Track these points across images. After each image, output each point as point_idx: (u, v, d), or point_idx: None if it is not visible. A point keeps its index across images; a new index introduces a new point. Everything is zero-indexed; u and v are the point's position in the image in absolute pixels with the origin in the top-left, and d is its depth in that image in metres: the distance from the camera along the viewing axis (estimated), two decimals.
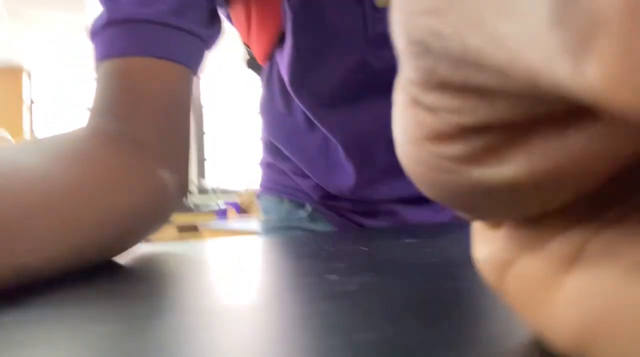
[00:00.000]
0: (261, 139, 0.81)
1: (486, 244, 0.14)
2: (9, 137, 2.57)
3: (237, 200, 5.25)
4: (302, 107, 0.66)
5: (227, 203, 5.40)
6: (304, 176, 0.74)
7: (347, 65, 0.60)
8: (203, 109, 7.04)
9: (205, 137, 6.93)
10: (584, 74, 0.07)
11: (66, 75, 6.33)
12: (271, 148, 0.77)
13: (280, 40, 0.62)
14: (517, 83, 0.08)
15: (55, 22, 4.77)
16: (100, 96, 0.46)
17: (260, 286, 0.31)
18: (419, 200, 0.70)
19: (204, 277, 0.35)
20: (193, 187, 6.69)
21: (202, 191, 6.71)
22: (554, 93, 0.08)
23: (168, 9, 0.47)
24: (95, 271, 0.35)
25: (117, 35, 0.46)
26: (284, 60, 0.62)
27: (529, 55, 0.07)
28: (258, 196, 0.86)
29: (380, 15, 0.56)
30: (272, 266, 0.39)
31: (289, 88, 0.64)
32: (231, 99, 7.04)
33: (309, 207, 0.76)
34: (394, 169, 0.62)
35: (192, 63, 0.49)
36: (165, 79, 0.47)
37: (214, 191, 6.44)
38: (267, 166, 0.81)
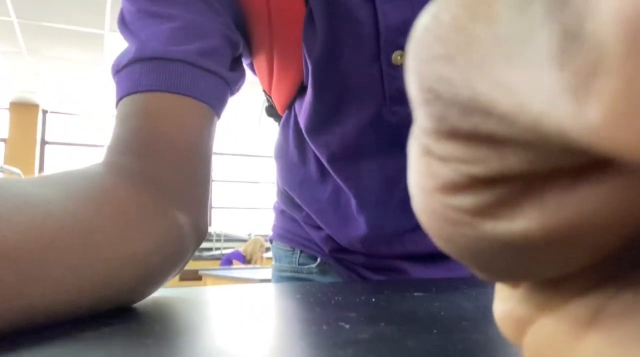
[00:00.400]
0: (276, 184, 0.81)
1: (505, 301, 0.14)
2: (21, 174, 2.60)
3: (241, 249, 5.22)
4: (317, 157, 0.67)
5: (231, 254, 5.33)
6: (316, 227, 0.75)
7: (363, 120, 0.62)
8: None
9: (213, 183, 6.97)
10: (585, 116, 0.06)
11: (80, 115, 6.45)
12: (284, 195, 0.78)
13: (300, 90, 0.64)
14: (524, 130, 0.08)
15: (74, 62, 4.90)
16: (119, 132, 0.45)
17: (274, 334, 0.32)
18: (430, 258, 0.70)
19: (218, 324, 0.35)
20: None
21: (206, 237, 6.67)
22: (558, 138, 0.07)
23: (195, 50, 0.47)
24: (110, 313, 0.36)
25: (143, 71, 0.46)
26: (302, 109, 0.64)
27: (533, 99, 0.07)
28: (270, 240, 0.86)
29: (397, 72, 0.58)
30: (284, 314, 0.40)
31: (306, 137, 0.65)
32: (235, 144, 7.11)
33: (319, 260, 0.77)
34: (407, 225, 0.67)
35: (216, 104, 0.49)
36: (188, 118, 0.46)
37: (218, 237, 6.42)
38: (281, 213, 0.82)
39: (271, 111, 0.76)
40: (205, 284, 3.67)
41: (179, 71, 0.45)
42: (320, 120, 0.63)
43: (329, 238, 0.74)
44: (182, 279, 5.02)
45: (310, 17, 0.57)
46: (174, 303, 0.41)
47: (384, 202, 0.66)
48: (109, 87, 5.55)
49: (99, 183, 0.38)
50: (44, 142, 6.37)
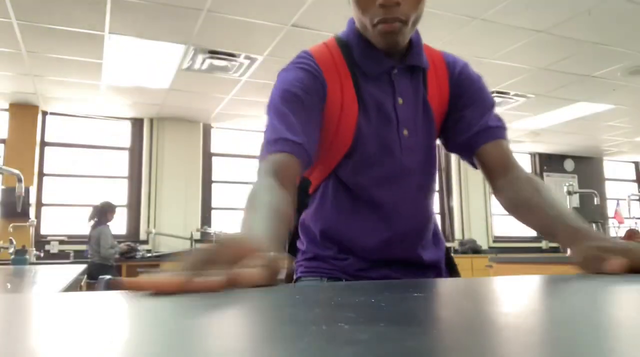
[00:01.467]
0: (302, 240, 1.14)
1: None
2: (21, 175, 2.60)
3: None
4: (358, 192, 1.08)
5: None
6: (343, 259, 1.07)
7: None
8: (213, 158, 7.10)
9: (213, 185, 6.98)
10: None
11: (80, 117, 6.46)
12: (319, 240, 1.10)
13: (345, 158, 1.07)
14: None
15: (74, 62, 4.90)
16: (268, 166, 0.95)
17: (274, 334, 0.32)
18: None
19: (218, 324, 0.35)
20: (197, 233, 6.68)
21: (205, 237, 6.70)
22: None
23: (307, 140, 0.99)
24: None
25: (281, 143, 0.98)
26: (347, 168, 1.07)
27: None
28: (296, 280, 1.10)
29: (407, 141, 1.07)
30: (284, 314, 0.40)
31: (351, 184, 1.08)
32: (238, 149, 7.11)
33: (344, 280, 1.05)
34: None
35: (307, 164, 1.00)
36: (297, 168, 0.97)
37: (218, 236, 6.41)
38: (312, 259, 1.10)
39: (302, 195, 1.14)
40: None
41: (296, 147, 0.98)
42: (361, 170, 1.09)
43: (353, 262, 1.07)
44: None
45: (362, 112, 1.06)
46: (174, 303, 0.41)
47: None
48: (109, 88, 5.56)
49: (283, 193, 0.91)
50: (43, 143, 6.37)
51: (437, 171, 1.16)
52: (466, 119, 1.10)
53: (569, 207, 4.31)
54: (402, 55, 1.07)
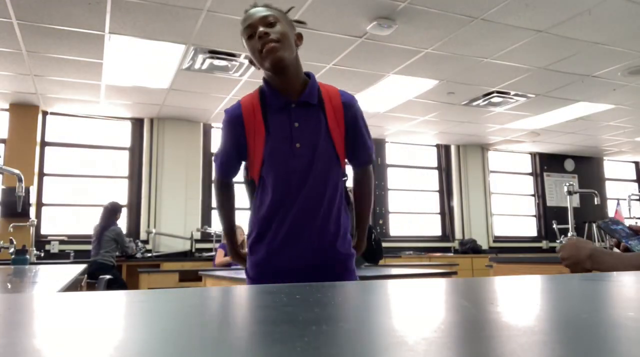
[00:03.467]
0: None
1: None
2: (21, 175, 2.60)
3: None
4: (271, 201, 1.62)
5: (220, 246, 5.40)
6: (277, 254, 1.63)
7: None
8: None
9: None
10: None
11: (80, 117, 6.46)
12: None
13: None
14: None
15: (74, 62, 4.90)
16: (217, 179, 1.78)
17: (274, 334, 0.32)
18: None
19: (218, 324, 0.35)
20: (197, 234, 6.68)
21: (205, 237, 6.71)
22: None
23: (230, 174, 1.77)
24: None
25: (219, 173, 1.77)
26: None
27: None
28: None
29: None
30: (284, 314, 0.40)
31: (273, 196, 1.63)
32: None
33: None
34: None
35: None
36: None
37: (218, 237, 6.43)
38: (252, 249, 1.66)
39: (249, 184, 1.71)
40: (205, 285, 3.67)
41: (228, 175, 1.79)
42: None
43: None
44: (182, 279, 5.03)
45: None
46: (175, 303, 0.41)
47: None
48: (109, 88, 5.56)
49: (232, 193, 1.82)
50: (43, 143, 6.37)
51: (338, 178, 1.62)
52: (356, 148, 1.66)
53: (569, 206, 4.29)
54: (299, 94, 1.58)
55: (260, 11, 1.57)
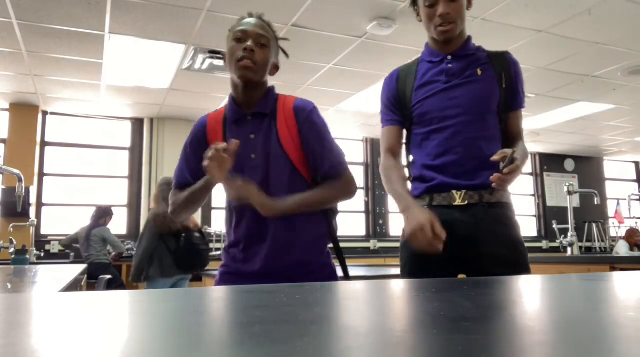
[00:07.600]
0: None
1: None
2: (21, 175, 2.60)
3: None
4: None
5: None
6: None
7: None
8: None
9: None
10: None
11: (80, 117, 6.45)
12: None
13: None
14: None
15: (74, 62, 4.90)
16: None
17: (274, 334, 0.32)
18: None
19: (217, 324, 0.35)
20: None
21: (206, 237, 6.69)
22: None
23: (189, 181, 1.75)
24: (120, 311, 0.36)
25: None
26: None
27: None
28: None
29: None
30: (284, 314, 0.40)
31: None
32: None
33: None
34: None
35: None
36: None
37: (218, 237, 6.42)
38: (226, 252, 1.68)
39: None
40: (205, 285, 3.67)
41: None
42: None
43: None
44: None
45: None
46: (175, 303, 0.41)
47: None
48: (109, 88, 5.55)
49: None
50: (43, 143, 6.37)
51: (303, 189, 1.57)
52: (315, 157, 1.59)
53: (569, 206, 4.30)
54: (255, 105, 1.62)
55: (259, 26, 1.60)
